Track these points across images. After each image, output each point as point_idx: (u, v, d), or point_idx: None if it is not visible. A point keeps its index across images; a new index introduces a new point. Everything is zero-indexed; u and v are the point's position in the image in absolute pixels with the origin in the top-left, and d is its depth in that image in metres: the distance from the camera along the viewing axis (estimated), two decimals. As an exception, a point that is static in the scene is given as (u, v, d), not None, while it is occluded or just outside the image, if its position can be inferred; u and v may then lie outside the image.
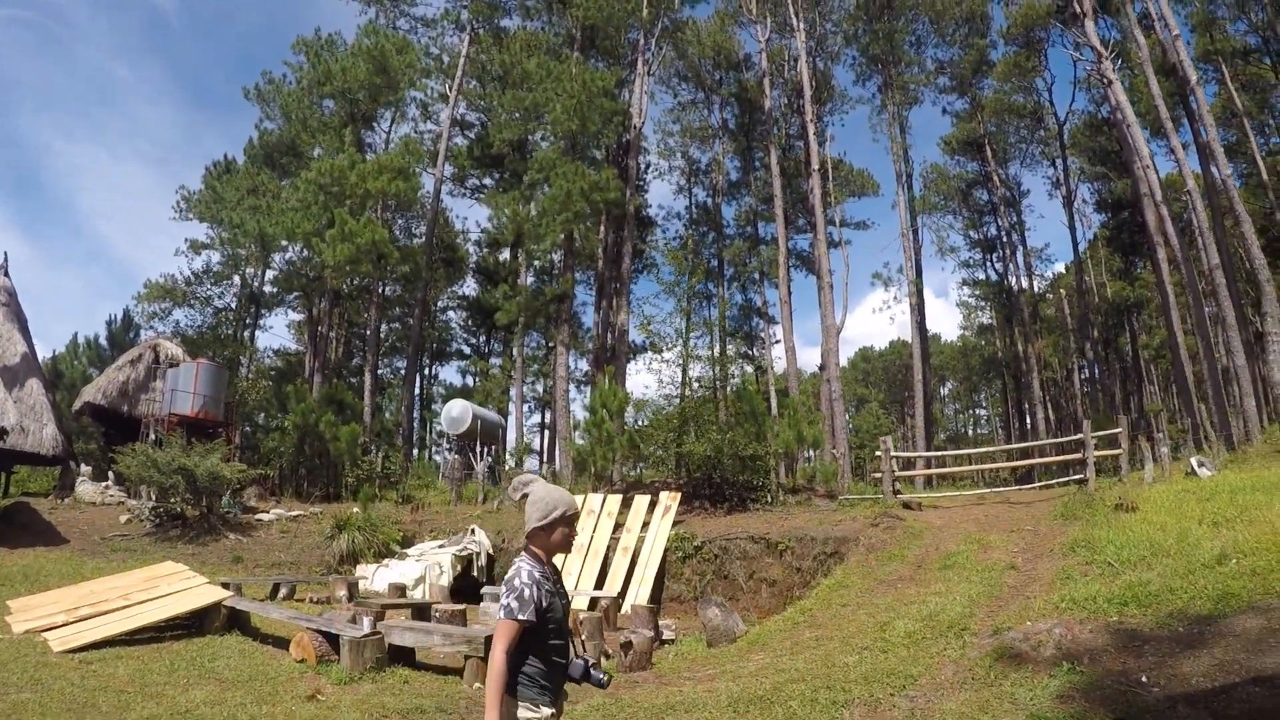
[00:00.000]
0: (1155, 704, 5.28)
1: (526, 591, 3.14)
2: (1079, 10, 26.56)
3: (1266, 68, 34.78)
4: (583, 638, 9.70)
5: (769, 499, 17.92)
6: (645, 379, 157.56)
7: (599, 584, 15.46)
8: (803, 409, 23.41)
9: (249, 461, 23.68)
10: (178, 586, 11.54)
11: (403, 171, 29.42)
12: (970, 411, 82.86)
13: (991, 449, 25.97)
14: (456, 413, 27.27)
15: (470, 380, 47.20)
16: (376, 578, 15.50)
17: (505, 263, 40.92)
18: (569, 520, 3.34)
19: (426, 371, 48.53)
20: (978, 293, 51.70)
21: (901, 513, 14.61)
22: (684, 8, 36.28)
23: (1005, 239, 45.33)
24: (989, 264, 47.73)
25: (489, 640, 8.17)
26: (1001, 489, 21.45)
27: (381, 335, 38.47)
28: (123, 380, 26.15)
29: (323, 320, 34.89)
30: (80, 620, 10.28)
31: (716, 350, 33.98)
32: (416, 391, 42.04)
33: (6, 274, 24.37)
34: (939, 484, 28.24)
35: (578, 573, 15.62)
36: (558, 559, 3.41)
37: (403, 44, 32.60)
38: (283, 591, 15.10)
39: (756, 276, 42.00)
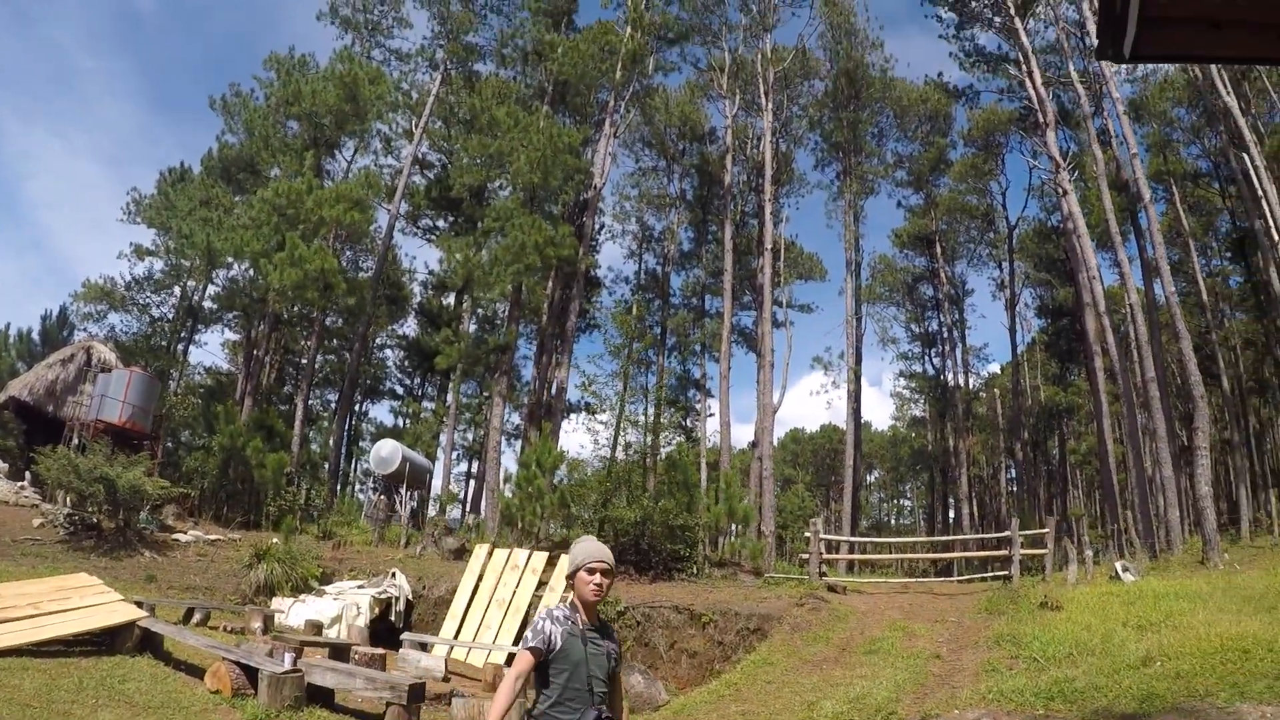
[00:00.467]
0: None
1: (540, 624, 3.43)
2: (1042, 121, 27.59)
3: (1215, 191, 36.52)
4: None
5: (695, 570, 17.69)
6: (578, 438, 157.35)
7: (517, 640, 15.01)
8: (735, 485, 23.43)
9: (171, 479, 22.72)
10: (90, 601, 10.88)
11: (359, 203, 29.09)
12: (895, 501, 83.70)
13: (915, 539, 26.13)
14: (386, 453, 26.62)
15: (401, 421, 46.37)
16: (293, 613, 14.90)
17: (449, 307, 40.52)
18: (588, 569, 3.54)
19: (358, 408, 47.61)
20: (914, 385, 52.65)
21: (827, 595, 14.55)
22: (656, 74, 36.96)
23: (946, 335, 46.51)
24: (928, 358, 48.86)
25: (414, 688, 8.19)
26: (925, 579, 21.48)
27: (317, 366, 37.68)
28: (51, 379, 25.26)
29: (260, 343, 34.02)
30: (-14, 625, 9.63)
31: (651, 418, 33.97)
32: (347, 427, 41.15)
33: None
34: (861, 570, 28.22)
35: (497, 627, 15.16)
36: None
37: (376, 74, 32.50)
38: (197, 617, 14.38)
39: (698, 349, 42.23)
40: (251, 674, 8.65)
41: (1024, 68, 29.08)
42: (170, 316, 37.85)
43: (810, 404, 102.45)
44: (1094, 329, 28.16)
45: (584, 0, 59.24)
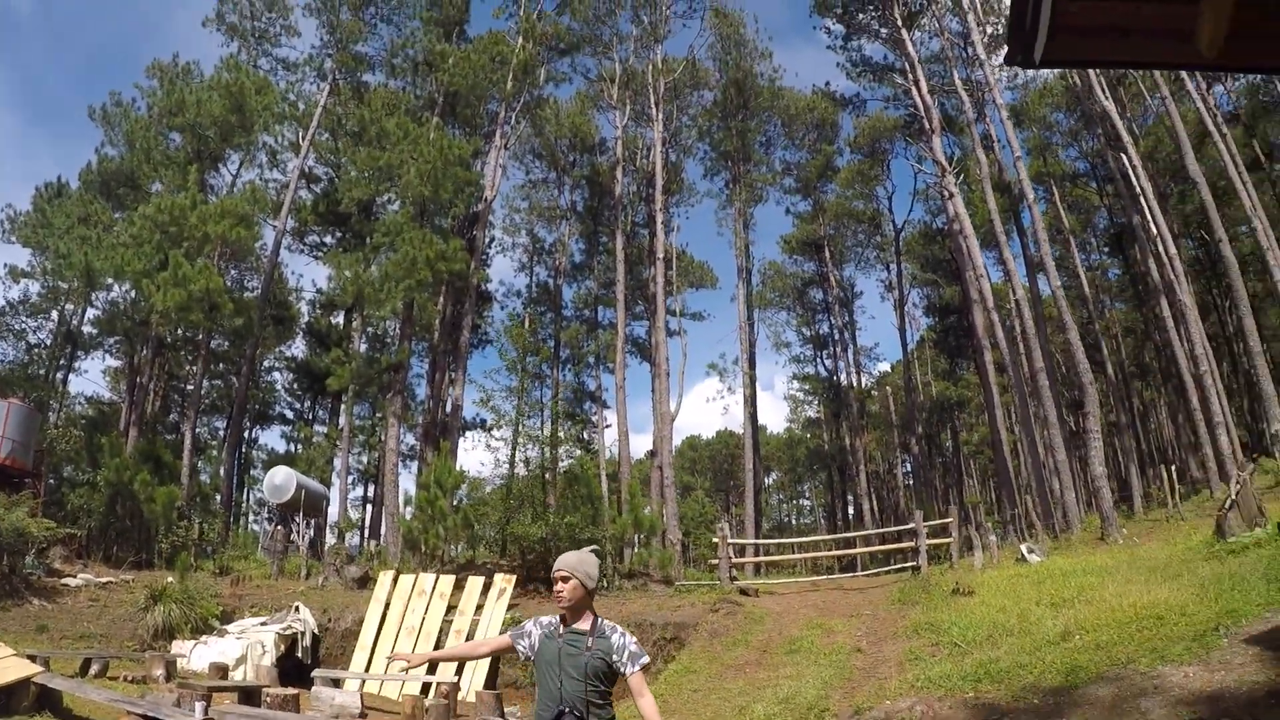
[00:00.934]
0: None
1: (524, 624, 3.97)
2: (928, 127, 28.43)
3: (1093, 190, 38.50)
4: None
5: (605, 584, 17.44)
6: (477, 455, 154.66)
7: (431, 669, 14.50)
8: (638, 495, 23.44)
9: (55, 518, 21.15)
10: (-21, 658, 9.96)
11: (245, 219, 27.87)
12: (795, 501, 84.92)
13: (819, 538, 26.45)
14: (280, 480, 25.51)
15: (294, 447, 44.58)
16: (195, 656, 14.05)
17: (339, 326, 39.24)
18: (557, 578, 3.88)
19: (248, 434, 45.73)
20: (808, 387, 53.51)
21: (740, 599, 14.59)
22: (548, 85, 36.74)
23: (837, 337, 47.54)
24: (820, 360, 49.80)
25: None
26: (833, 576, 21.76)
27: (204, 392, 36.03)
28: (-81, 411, 23.20)
29: (143, 370, 32.17)
30: None
31: (549, 431, 33.58)
32: (237, 455, 39.48)
33: None
34: (769, 571, 28.43)
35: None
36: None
37: (263, 84, 31.25)
38: (95, 668, 13.39)
39: (592, 360, 41.97)
40: (160, 728, 8.01)
41: (910, 76, 29.95)
42: (48, 343, 35.68)
43: (706, 411, 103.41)
44: (982, 324, 29.10)
45: (476, 10, 58.68)
